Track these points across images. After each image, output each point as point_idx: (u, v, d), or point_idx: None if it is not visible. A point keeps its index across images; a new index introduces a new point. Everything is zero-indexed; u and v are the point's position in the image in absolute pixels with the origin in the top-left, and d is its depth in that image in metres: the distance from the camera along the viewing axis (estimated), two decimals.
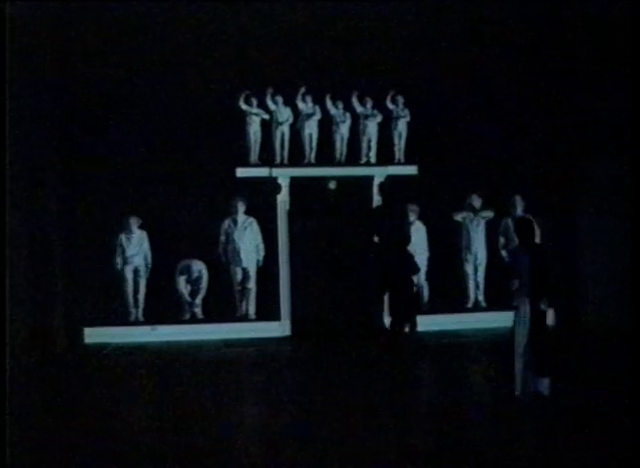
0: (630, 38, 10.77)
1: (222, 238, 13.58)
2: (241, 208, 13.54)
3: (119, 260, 13.48)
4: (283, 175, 13.62)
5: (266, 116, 13.63)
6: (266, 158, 13.71)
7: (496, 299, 13.57)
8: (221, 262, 13.67)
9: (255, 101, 13.56)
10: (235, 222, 13.55)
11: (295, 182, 13.62)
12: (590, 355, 11.03)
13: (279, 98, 13.60)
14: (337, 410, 8.36)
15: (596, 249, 13.66)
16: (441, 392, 9.51)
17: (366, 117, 13.78)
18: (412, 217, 13.45)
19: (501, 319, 13.17)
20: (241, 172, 13.53)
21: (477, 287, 14.17)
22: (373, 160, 13.88)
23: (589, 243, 13.88)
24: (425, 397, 9.56)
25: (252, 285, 13.59)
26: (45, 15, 12.25)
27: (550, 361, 8.50)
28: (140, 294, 13.55)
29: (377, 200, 13.43)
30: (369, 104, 13.75)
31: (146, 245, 13.53)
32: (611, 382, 9.06)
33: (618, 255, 12.74)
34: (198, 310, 13.70)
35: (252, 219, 13.60)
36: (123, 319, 13.50)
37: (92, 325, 13.26)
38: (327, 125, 13.75)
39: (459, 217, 14.00)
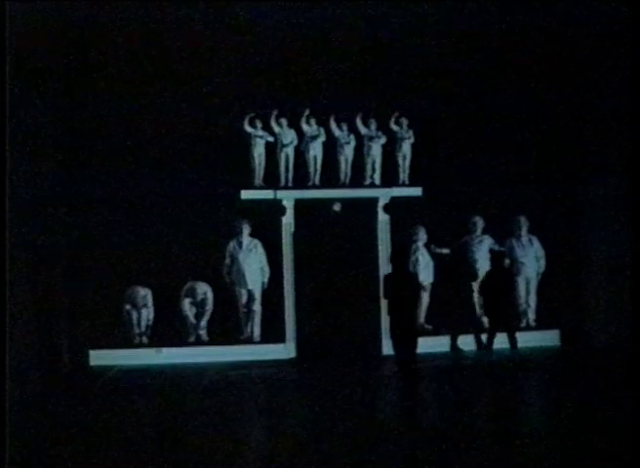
0: (630, 55, 10.77)
1: (227, 260, 13.60)
2: (246, 230, 13.56)
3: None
4: (288, 198, 13.64)
5: (271, 138, 13.66)
6: (271, 180, 13.75)
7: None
8: (226, 284, 13.69)
9: (259, 124, 13.60)
10: (240, 244, 13.57)
11: (299, 204, 13.65)
12: (595, 374, 11.02)
13: (283, 121, 13.64)
14: (342, 433, 8.31)
15: (600, 268, 13.65)
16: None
17: (370, 139, 13.81)
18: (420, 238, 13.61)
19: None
20: (246, 194, 13.55)
21: (481, 307, 14.11)
22: (377, 182, 13.90)
23: (593, 262, 13.87)
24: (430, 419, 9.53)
25: (257, 307, 13.59)
26: (45, 15, 12.28)
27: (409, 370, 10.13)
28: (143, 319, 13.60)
29: (382, 220, 13.55)
30: (373, 126, 13.78)
31: None
32: (615, 401, 9.04)
33: (622, 275, 12.70)
34: (203, 332, 13.68)
35: (257, 241, 13.62)
36: (128, 341, 13.51)
37: (97, 347, 13.28)
38: (331, 147, 13.78)
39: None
